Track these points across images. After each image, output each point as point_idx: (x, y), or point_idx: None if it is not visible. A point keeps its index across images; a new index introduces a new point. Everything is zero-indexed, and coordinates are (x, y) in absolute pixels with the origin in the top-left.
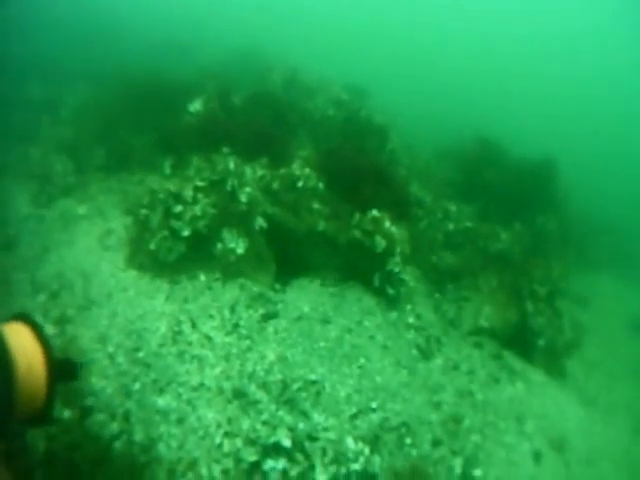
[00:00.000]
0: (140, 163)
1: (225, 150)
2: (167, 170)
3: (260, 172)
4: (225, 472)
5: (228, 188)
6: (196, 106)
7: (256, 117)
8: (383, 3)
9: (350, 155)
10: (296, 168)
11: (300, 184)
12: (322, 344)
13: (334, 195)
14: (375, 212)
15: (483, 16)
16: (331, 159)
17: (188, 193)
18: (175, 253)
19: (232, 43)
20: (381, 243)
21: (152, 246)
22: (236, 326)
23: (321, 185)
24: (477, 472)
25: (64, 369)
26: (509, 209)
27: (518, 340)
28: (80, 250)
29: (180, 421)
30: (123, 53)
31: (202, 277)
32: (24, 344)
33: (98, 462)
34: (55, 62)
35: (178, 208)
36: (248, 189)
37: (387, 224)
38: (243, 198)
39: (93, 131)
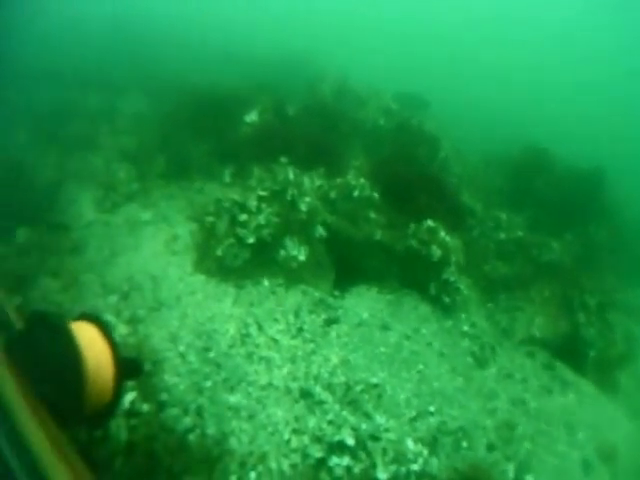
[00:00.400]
0: (199, 171)
1: (283, 160)
2: (227, 178)
3: (318, 182)
4: (293, 466)
5: (288, 198)
6: (252, 117)
7: (310, 127)
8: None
9: (402, 165)
10: (351, 178)
11: (356, 194)
12: (382, 349)
13: (389, 204)
14: (430, 222)
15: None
16: (384, 169)
17: (252, 203)
18: (240, 259)
19: (282, 51)
20: (437, 252)
21: (219, 252)
22: (300, 330)
23: (376, 195)
24: (529, 478)
25: (130, 366)
26: (559, 218)
27: (569, 351)
28: (147, 254)
29: (250, 417)
30: (171, 63)
31: (266, 282)
32: (93, 342)
33: (176, 452)
34: (106, 72)
35: (243, 217)
36: (308, 199)
37: (442, 234)
38: (303, 207)
39: (152, 140)
